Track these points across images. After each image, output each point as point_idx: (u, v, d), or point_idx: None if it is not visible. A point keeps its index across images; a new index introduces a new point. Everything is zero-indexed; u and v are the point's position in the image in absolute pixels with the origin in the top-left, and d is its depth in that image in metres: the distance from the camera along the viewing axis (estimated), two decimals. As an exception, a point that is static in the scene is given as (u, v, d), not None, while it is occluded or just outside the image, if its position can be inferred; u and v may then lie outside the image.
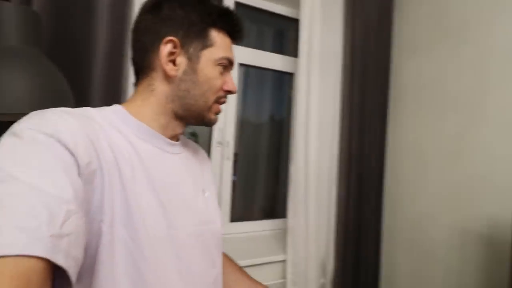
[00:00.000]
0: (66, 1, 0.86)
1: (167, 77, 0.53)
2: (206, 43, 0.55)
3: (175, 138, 0.59)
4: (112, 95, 0.93)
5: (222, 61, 0.56)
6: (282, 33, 1.73)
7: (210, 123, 0.61)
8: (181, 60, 0.53)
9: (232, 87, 0.59)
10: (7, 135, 0.37)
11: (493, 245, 1.10)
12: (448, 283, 1.24)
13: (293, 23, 1.62)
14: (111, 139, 0.47)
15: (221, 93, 0.59)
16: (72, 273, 0.33)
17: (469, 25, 1.22)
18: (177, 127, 0.58)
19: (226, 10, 0.58)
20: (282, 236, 1.47)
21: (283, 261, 1.34)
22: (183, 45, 0.53)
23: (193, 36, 0.54)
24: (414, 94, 1.41)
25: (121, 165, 0.46)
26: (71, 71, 0.73)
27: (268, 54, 1.56)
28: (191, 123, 0.60)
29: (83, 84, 0.87)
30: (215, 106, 0.59)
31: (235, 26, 0.59)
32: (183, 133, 0.62)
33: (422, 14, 1.40)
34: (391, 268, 1.47)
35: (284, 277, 1.33)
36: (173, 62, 0.53)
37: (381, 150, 1.47)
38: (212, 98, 0.57)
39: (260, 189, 1.69)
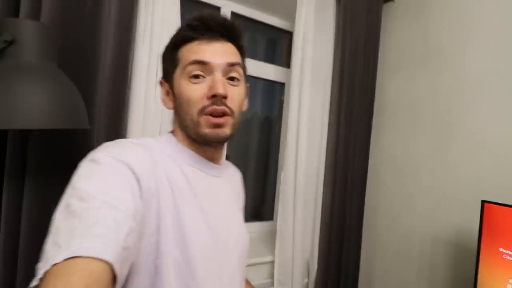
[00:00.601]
0: (73, 14, 0.88)
1: (171, 109, 0.59)
2: (174, 65, 0.56)
3: (216, 161, 0.61)
4: (116, 104, 0.97)
5: (188, 69, 0.53)
6: (275, 43, 1.80)
7: (210, 140, 0.55)
8: (170, 91, 0.58)
9: (214, 90, 0.52)
10: (86, 161, 0.45)
11: (460, 251, 1.22)
12: (420, 285, 1.36)
13: (286, 33, 1.70)
14: (166, 168, 0.52)
15: (205, 102, 0.53)
16: (118, 285, 0.37)
17: (445, 52, 1.33)
18: (207, 151, 0.59)
19: (188, 20, 0.56)
20: (269, 238, 1.55)
21: (271, 262, 1.41)
22: (166, 80, 0.59)
23: (167, 66, 0.58)
24: (395, 111, 1.52)
25: (175, 190, 0.51)
26: (78, 81, 0.76)
27: (260, 63, 1.61)
28: (201, 143, 0.58)
29: (90, 93, 0.90)
30: (203, 118, 0.53)
31: (194, 24, 0.54)
32: (220, 156, 0.63)
33: (405, 38, 1.51)
34: (368, 269, 1.58)
35: (271, 277, 1.41)
36: (169, 95, 0.59)
37: (364, 160, 1.56)
38: (194, 111, 0.53)
39: (249, 192, 1.74)
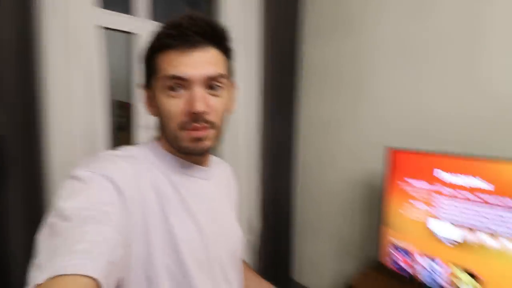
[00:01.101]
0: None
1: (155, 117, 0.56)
2: (153, 73, 0.52)
3: (203, 163, 0.60)
4: (23, 97, 0.81)
5: (166, 83, 0.50)
6: (198, 7, 1.72)
7: (191, 153, 0.54)
8: (152, 100, 0.55)
9: (191, 107, 0.49)
10: (67, 179, 0.44)
11: (371, 190, 1.48)
12: (340, 220, 1.61)
13: None
14: (152, 178, 0.51)
15: (184, 118, 0.51)
16: None
17: (357, 18, 1.49)
18: (192, 157, 0.57)
19: (165, 26, 0.51)
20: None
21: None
22: (146, 87, 0.56)
23: (147, 73, 0.55)
24: (319, 74, 1.65)
25: (162, 200, 0.50)
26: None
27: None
28: (184, 153, 0.56)
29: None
30: (183, 133, 0.51)
31: (171, 33, 0.49)
32: (207, 158, 0.61)
33: (324, 4, 1.62)
34: (303, 219, 1.78)
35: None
36: (152, 103, 0.55)
37: (290, 123, 1.69)
38: (172, 126, 0.51)
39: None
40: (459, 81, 1.19)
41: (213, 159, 0.66)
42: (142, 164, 0.52)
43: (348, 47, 1.52)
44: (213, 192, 0.61)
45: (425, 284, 1.12)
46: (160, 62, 0.51)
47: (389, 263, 1.23)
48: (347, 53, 1.53)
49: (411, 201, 1.14)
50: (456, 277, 1.04)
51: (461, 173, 1.02)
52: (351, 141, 1.55)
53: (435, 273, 1.10)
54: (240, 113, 1.46)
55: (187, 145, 0.52)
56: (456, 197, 1.03)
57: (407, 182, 1.16)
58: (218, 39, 0.53)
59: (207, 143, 0.53)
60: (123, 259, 0.41)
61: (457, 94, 1.20)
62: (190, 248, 0.52)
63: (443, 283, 1.07)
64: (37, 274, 0.33)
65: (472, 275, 1.01)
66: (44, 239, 0.37)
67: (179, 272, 0.50)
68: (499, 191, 0.94)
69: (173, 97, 0.50)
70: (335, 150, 1.61)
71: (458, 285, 1.04)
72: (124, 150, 0.53)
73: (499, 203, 0.94)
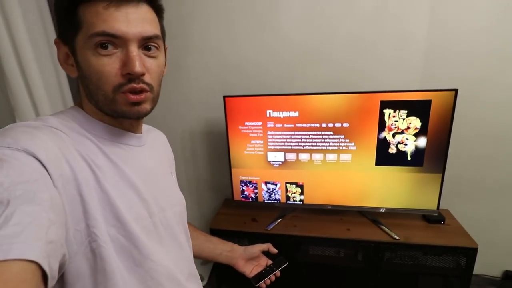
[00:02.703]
0: None
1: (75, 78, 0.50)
2: (75, 28, 0.45)
3: (135, 130, 0.57)
4: None
5: (94, 40, 0.44)
6: None
7: (129, 117, 0.50)
8: (71, 57, 0.48)
9: (129, 68, 0.45)
10: None
11: (213, 136, 1.58)
12: (188, 168, 1.68)
13: None
14: (79, 147, 0.47)
15: (120, 80, 0.46)
16: (49, 283, 0.34)
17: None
18: (124, 122, 0.54)
19: None
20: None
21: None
22: (64, 42, 0.48)
23: (65, 26, 0.46)
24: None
25: (95, 169, 0.47)
26: None
27: None
28: (115, 117, 0.51)
29: None
30: (120, 96, 0.47)
31: None
32: (140, 125, 0.60)
33: None
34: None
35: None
36: (69, 61, 0.49)
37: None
38: (107, 88, 0.46)
39: None
40: (264, 31, 1.37)
41: (144, 127, 0.64)
42: (65, 135, 0.46)
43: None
44: (149, 158, 0.59)
45: (267, 203, 1.40)
46: (84, 15, 0.44)
47: (239, 197, 1.43)
48: (171, 4, 1.39)
49: (252, 141, 1.32)
50: (287, 189, 1.36)
51: (283, 110, 1.25)
52: (189, 90, 1.53)
53: (273, 192, 1.38)
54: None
55: (125, 109, 0.49)
56: (281, 129, 1.28)
57: (246, 125, 1.31)
58: None
59: (145, 107, 0.50)
60: (61, 238, 0.38)
61: (264, 43, 1.39)
62: (135, 216, 0.50)
63: (279, 197, 1.38)
64: None
65: (296, 184, 1.35)
66: None
67: (126, 241, 0.49)
68: (305, 118, 1.24)
69: (104, 55, 0.45)
70: (176, 100, 1.56)
71: (289, 195, 1.37)
72: (40, 121, 0.46)
73: (307, 127, 1.25)
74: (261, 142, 1.31)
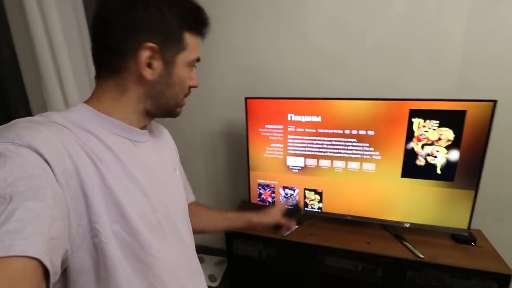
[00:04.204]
0: None
1: (142, 80, 0.53)
2: (181, 47, 0.54)
3: (144, 127, 0.60)
4: None
5: (193, 63, 0.58)
6: None
7: (176, 116, 0.62)
8: (158, 64, 0.52)
9: (195, 82, 0.60)
10: None
11: (233, 138, 1.57)
12: (206, 168, 1.69)
13: None
14: (83, 142, 0.47)
15: (187, 90, 0.60)
16: (51, 279, 0.34)
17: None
18: (146, 121, 0.59)
19: (197, 10, 0.57)
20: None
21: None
22: (161, 50, 0.52)
23: (171, 41, 0.53)
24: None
25: (99, 165, 0.47)
26: None
27: None
28: (158, 117, 0.61)
29: None
30: (182, 101, 0.61)
31: (205, 25, 0.58)
32: (149, 123, 0.63)
33: None
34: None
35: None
36: (150, 65, 0.52)
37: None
38: (181, 95, 0.59)
39: None
40: (291, 34, 1.35)
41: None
42: (68, 130, 0.47)
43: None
44: (153, 154, 0.61)
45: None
46: (189, 39, 0.55)
47: (256, 200, 1.41)
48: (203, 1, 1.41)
49: (272, 144, 1.30)
50: (305, 195, 1.32)
51: (305, 114, 1.22)
52: (212, 90, 1.54)
53: (291, 197, 1.35)
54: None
55: (179, 110, 0.61)
56: (301, 134, 1.24)
57: (267, 128, 1.29)
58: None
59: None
60: (63, 234, 0.39)
61: (290, 48, 1.36)
62: (138, 212, 0.51)
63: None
64: None
65: (315, 191, 1.31)
66: None
67: (130, 237, 0.49)
68: (328, 123, 1.20)
69: (190, 73, 0.58)
70: (199, 99, 1.58)
71: (307, 201, 1.33)
72: (44, 116, 0.47)
73: (329, 133, 1.21)
74: (281, 146, 1.29)
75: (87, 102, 0.54)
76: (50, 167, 0.40)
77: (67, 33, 1.12)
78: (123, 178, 0.50)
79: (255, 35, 1.40)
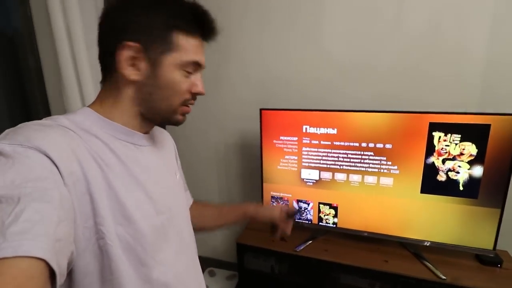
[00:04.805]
0: None
1: (130, 81, 0.52)
2: (168, 48, 0.51)
3: (147, 132, 0.60)
4: None
5: (187, 66, 0.54)
6: None
7: (176, 124, 0.59)
8: (143, 64, 0.51)
9: (200, 89, 0.57)
10: None
11: (247, 150, 1.57)
12: (220, 179, 1.67)
13: None
14: (89, 146, 0.48)
15: (188, 96, 0.56)
16: (58, 280, 0.34)
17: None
18: (148, 126, 0.59)
19: (194, 10, 0.53)
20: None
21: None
22: (145, 50, 0.51)
23: (155, 41, 0.51)
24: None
25: (104, 168, 0.48)
26: None
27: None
28: (159, 124, 0.60)
29: None
30: (182, 108, 0.57)
31: (204, 26, 0.55)
32: (152, 127, 0.63)
33: None
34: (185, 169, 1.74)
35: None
36: (134, 65, 0.51)
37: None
38: (177, 101, 0.55)
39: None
40: (308, 46, 1.35)
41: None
42: (75, 134, 0.47)
43: (214, 8, 1.43)
44: (156, 158, 0.61)
45: (298, 222, 1.33)
46: (181, 42, 0.52)
47: (269, 212, 1.38)
48: (216, 14, 1.44)
49: (286, 156, 1.28)
50: (320, 209, 1.29)
51: (319, 126, 1.20)
52: (227, 101, 1.55)
53: (305, 211, 1.31)
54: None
55: (179, 118, 0.58)
56: (317, 146, 1.22)
57: (281, 140, 1.27)
58: (213, 39, 0.59)
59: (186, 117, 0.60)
60: (69, 235, 0.39)
61: (305, 59, 1.37)
62: (142, 215, 0.51)
63: (311, 217, 1.31)
64: None
65: (330, 205, 1.27)
66: None
67: (133, 240, 0.49)
68: (344, 136, 1.18)
69: (186, 77, 0.54)
70: (213, 110, 1.58)
71: (322, 216, 1.29)
72: (52, 120, 0.48)
73: (345, 145, 1.18)
74: (296, 158, 1.27)
75: (91, 105, 0.55)
76: (58, 169, 0.40)
77: (89, 43, 1.16)
78: (127, 182, 0.51)
79: (268, 47, 1.41)
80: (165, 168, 0.64)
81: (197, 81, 0.56)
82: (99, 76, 0.56)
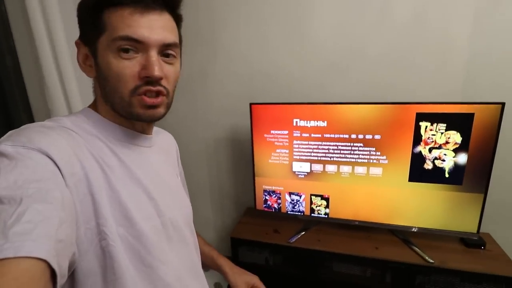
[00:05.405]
0: None
1: (94, 79, 0.52)
2: (98, 31, 0.46)
3: (146, 132, 0.58)
4: None
5: (117, 44, 0.45)
6: None
7: (144, 120, 0.52)
8: (89, 59, 0.50)
9: (150, 71, 0.46)
10: None
11: (238, 144, 1.56)
12: (212, 175, 1.67)
13: None
14: (92, 147, 0.47)
15: (137, 82, 0.47)
16: (58, 281, 0.34)
17: None
18: (137, 124, 0.56)
19: None
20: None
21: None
22: (86, 42, 0.49)
23: (88, 28, 0.48)
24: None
25: (106, 170, 0.47)
26: None
27: None
28: (131, 119, 0.53)
29: None
30: (136, 99, 0.49)
31: None
32: (152, 127, 0.60)
33: None
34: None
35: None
36: (87, 63, 0.50)
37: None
38: (125, 91, 0.48)
39: None
40: (295, 39, 1.34)
41: (154, 128, 0.64)
42: (77, 135, 0.47)
43: (200, 1, 1.40)
44: (157, 159, 0.60)
45: (290, 214, 1.35)
46: (109, 19, 0.46)
47: (261, 207, 1.39)
48: (201, 10, 1.40)
49: (277, 150, 1.29)
50: (312, 201, 1.31)
51: (309, 119, 1.21)
52: (216, 96, 1.53)
53: (297, 203, 1.33)
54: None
55: (140, 112, 0.50)
56: (307, 139, 1.23)
57: (272, 134, 1.28)
58: (172, 4, 0.50)
59: (161, 111, 0.52)
60: (71, 237, 0.39)
61: (293, 52, 1.36)
62: (144, 216, 0.51)
63: (303, 208, 1.33)
64: None
65: (322, 196, 1.29)
66: None
67: (135, 241, 0.49)
68: (333, 128, 1.19)
69: (125, 59, 0.46)
70: (202, 105, 1.56)
71: (314, 207, 1.32)
72: (54, 121, 0.48)
73: (335, 137, 1.20)
74: (287, 151, 1.28)
75: (91, 105, 0.55)
76: (60, 170, 0.40)
77: (70, 40, 1.12)
78: (128, 183, 0.51)
79: (257, 39, 1.39)
80: (166, 170, 0.64)
81: (146, 61, 0.47)
82: (82, 74, 0.55)
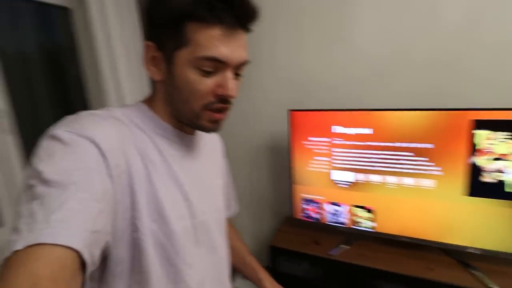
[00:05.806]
0: None
1: (157, 80, 0.51)
2: (179, 42, 0.46)
3: (193, 132, 0.59)
4: None
5: (201, 63, 0.45)
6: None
7: (207, 131, 0.53)
8: (162, 63, 0.49)
9: (226, 91, 0.47)
10: (46, 139, 0.40)
11: (276, 151, 1.56)
12: (250, 182, 1.67)
13: None
14: (137, 141, 0.48)
15: (211, 99, 0.48)
16: (88, 270, 0.35)
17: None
18: (187, 128, 0.56)
19: None
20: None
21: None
22: (160, 47, 0.48)
23: (168, 36, 0.46)
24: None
25: (148, 164, 0.48)
26: None
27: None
28: (190, 126, 0.55)
29: None
30: (207, 113, 0.50)
31: (227, 12, 0.44)
32: None
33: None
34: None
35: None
36: (157, 65, 0.50)
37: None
38: (196, 105, 0.49)
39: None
40: (336, 46, 1.32)
41: None
42: (126, 126, 0.48)
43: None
44: (199, 160, 0.60)
45: (331, 225, 1.29)
46: (194, 34, 0.45)
47: (300, 216, 1.35)
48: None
49: (316, 157, 1.26)
50: (354, 213, 1.24)
51: (352, 126, 1.17)
52: (257, 103, 1.55)
53: (339, 214, 1.27)
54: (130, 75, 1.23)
55: (206, 125, 0.52)
56: (349, 146, 1.19)
57: (310, 140, 1.25)
58: (252, 23, 0.49)
59: (223, 124, 0.54)
60: (107, 227, 0.40)
61: (335, 58, 1.33)
62: (176, 215, 0.51)
63: (345, 220, 1.26)
64: (17, 239, 0.32)
65: (365, 208, 1.22)
66: (24, 201, 0.35)
67: (165, 238, 0.49)
68: (378, 136, 1.13)
69: (204, 76, 0.47)
70: (244, 112, 1.59)
71: (356, 220, 1.24)
72: (106, 110, 0.49)
73: (380, 146, 1.13)
74: (326, 159, 1.24)
75: (144, 101, 0.55)
76: (106, 160, 0.42)
77: (128, 54, 1.22)
78: (167, 180, 0.51)
79: (298, 48, 1.40)
80: (207, 171, 0.63)
81: (224, 81, 0.47)
82: (136, 83, 0.57)
